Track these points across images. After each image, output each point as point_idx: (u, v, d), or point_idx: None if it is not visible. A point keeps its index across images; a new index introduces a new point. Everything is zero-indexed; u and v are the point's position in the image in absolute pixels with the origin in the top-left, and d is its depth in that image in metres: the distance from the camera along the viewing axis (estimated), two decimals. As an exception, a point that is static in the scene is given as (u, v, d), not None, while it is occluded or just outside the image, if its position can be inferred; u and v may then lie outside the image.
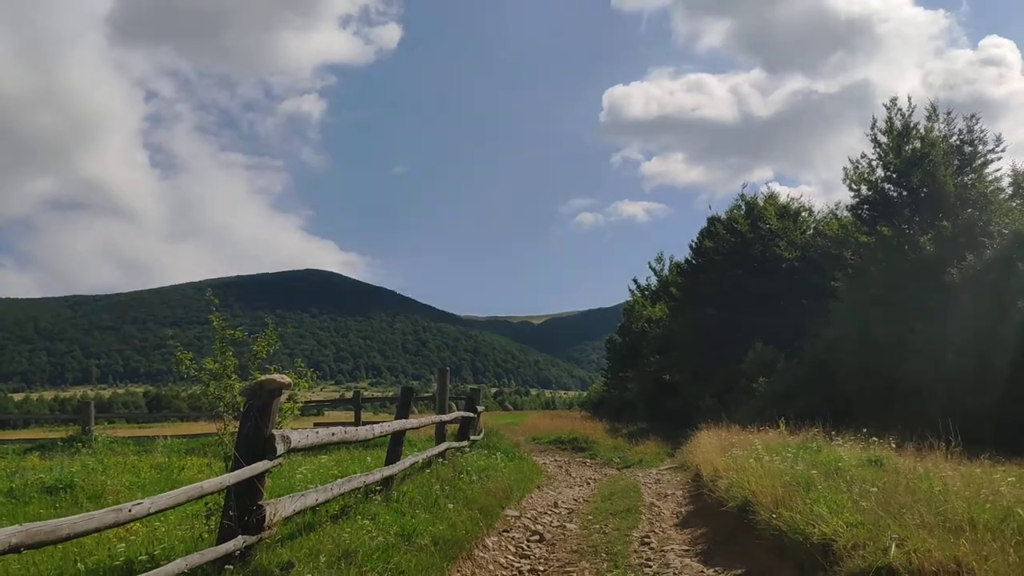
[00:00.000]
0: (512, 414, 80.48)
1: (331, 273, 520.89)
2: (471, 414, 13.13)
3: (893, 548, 4.30)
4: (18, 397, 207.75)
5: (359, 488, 6.78)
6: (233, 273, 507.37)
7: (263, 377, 4.74)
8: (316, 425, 19.19)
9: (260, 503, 4.60)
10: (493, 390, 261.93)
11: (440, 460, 10.49)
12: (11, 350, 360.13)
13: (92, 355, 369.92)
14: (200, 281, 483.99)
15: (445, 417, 10.96)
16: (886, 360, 23.34)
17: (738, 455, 10.11)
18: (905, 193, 26.90)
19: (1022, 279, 20.56)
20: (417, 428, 9.27)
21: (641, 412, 42.77)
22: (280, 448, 4.64)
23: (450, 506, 8.08)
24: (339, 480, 6.28)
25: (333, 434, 5.57)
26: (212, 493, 4.31)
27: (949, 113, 26.39)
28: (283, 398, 5.23)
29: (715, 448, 12.68)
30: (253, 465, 4.45)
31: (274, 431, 4.65)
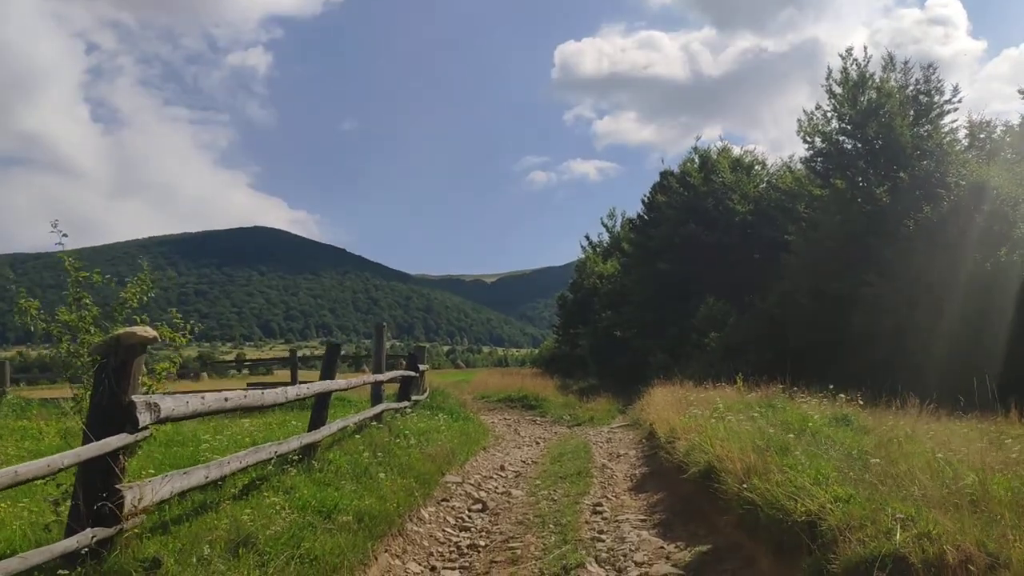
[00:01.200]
0: (463, 372, 79.84)
1: (280, 231, 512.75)
2: (412, 373, 12.21)
3: (898, 531, 3.56)
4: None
5: (270, 459, 5.85)
6: (180, 231, 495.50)
7: (122, 330, 3.78)
8: (249, 386, 18.14)
9: (118, 487, 3.67)
10: (446, 348, 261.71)
11: (375, 424, 9.61)
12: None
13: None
14: (145, 239, 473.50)
15: (380, 377, 10.02)
16: (839, 314, 23.05)
17: (697, 414, 9.41)
18: (860, 145, 26.46)
19: (978, 230, 20.28)
20: (345, 389, 8.33)
21: (592, 369, 42.38)
22: (145, 418, 3.69)
23: (382, 475, 7.22)
24: (242, 452, 5.34)
25: (227, 400, 4.60)
26: (40, 478, 3.35)
27: (906, 63, 25.96)
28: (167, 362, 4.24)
29: (670, 405, 12.01)
30: (104, 440, 3.50)
31: (136, 397, 3.70)
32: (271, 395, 5.48)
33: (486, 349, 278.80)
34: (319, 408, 7.45)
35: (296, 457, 6.83)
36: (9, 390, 16.59)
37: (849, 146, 26.97)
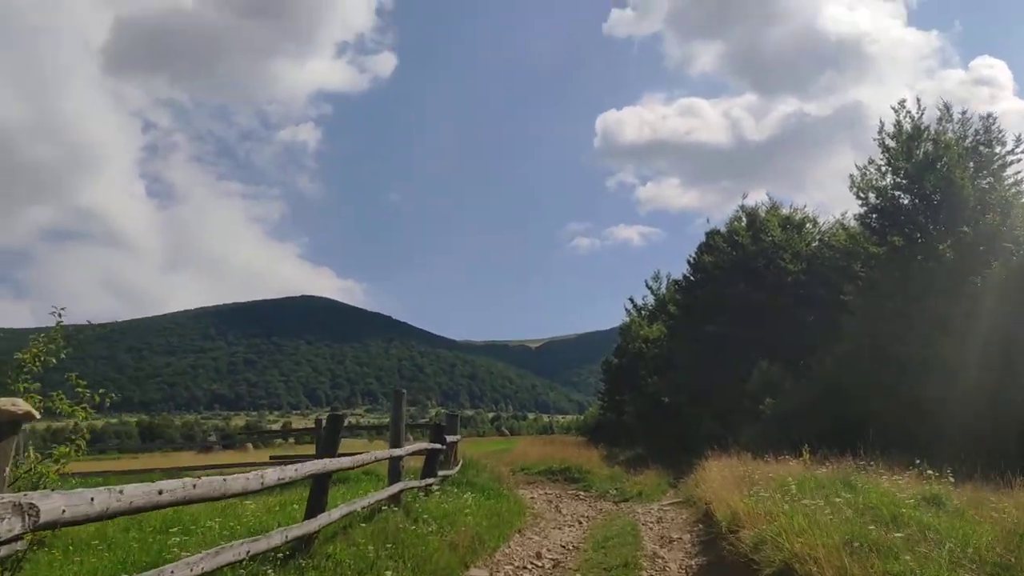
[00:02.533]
0: (507, 439, 78.26)
1: (327, 299, 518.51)
2: (437, 446, 11.07)
3: None
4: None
5: (240, 560, 4.76)
6: (229, 300, 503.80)
7: (-15, 405, 2.79)
8: (272, 459, 17.12)
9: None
10: (491, 415, 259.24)
11: (391, 506, 8.48)
12: (4, 380, 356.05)
13: (87, 385, 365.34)
14: (196, 309, 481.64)
15: (398, 451, 8.90)
16: (904, 377, 21.51)
17: (764, 496, 8.12)
18: (917, 200, 25.22)
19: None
20: (350, 469, 7.23)
21: (639, 437, 40.72)
22: (14, 525, 2.66)
23: (388, 573, 6.07)
24: (196, 556, 4.25)
25: (161, 492, 3.54)
26: None
27: (964, 113, 24.85)
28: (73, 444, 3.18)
29: (729, 483, 10.68)
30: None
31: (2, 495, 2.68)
32: (239, 482, 4.42)
33: (531, 416, 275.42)
34: (317, 493, 6.36)
35: (284, 554, 5.74)
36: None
37: (906, 201, 25.76)
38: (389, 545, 6.83)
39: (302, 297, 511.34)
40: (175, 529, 7.62)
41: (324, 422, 17.88)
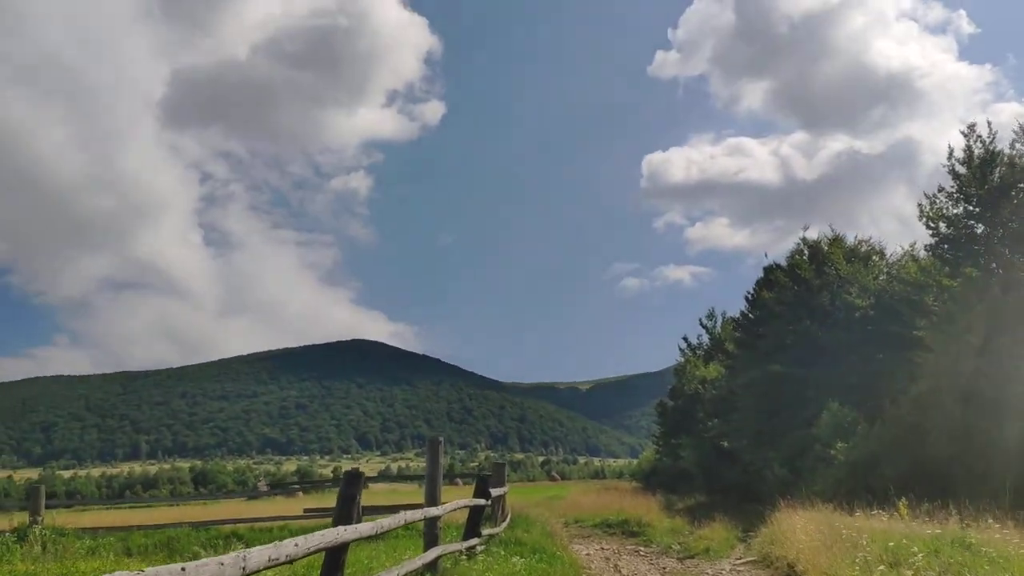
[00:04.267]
0: (558, 485, 76.38)
1: (377, 343, 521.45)
2: (481, 501, 9.79)
3: None
4: (67, 474, 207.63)
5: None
6: (282, 346, 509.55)
7: None
8: (306, 511, 15.99)
9: None
10: (540, 459, 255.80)
11: (426, 576, 7.28)
12: (63, 427, 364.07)
13: (142, 430, 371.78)
14: (248, 355, 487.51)
15: (435, 511, 7.65)
16: (989, 418, 19.76)
17: (871, 561, 6.73)
18: (993, 228, 23.66)
19: None
20: (371, 537, 5.98)
21: (699, 483, 38.90)
22: None
23: (417, 672, 4.85)
24: None
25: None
26: None
27: (1042, 133, 23.36)
28: None
29: (820, 542, 9.22)
30: None
31: None
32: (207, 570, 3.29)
33: (582, 460, 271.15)
34: (330, 571, 5.19)
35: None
36: (44, 516, 14.86)
37: (980, 229, 24.20)
38: (420, 632, 5.62)
39: (353, 341, 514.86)
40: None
41: (338, 474, 16.77)
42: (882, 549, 7.24)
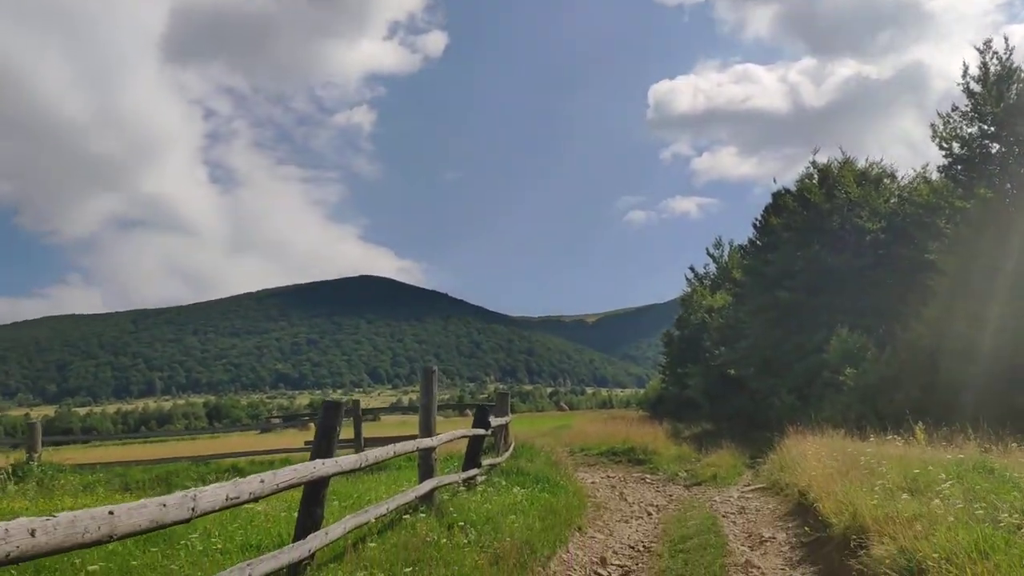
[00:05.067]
0: (565, 415, 76.84)
1: (386, 279, 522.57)
2: (481, 431, 9.45)
3: None
4: (83, 411, 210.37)
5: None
6: (291, 282, 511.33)
7: None
8: (307, 444, 15.75)
9: None
10: (549, 390, 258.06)
11: (420, 510, 6.93)
12: (78, 365, 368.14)
13: (155, 367, 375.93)
14: (258, 291, 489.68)
15: (429, 441, 7.27)
16: (1002, 342, 19.33)
17: (892, 488, 6.35)
18: (1009, 147, 22.96)
19: None
20: (351, 472, 5.56)
21: (705, 411, 38.80)
22: None
23: (404, 610, 4.51)
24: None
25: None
26: None
27: (1062, 49, 22.46)
28: None
29: (834, 467, 8.86)
30: None
31: None
32: (143, 514, 2.90)
33: (589, 390, 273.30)
34: (308, 506, 4.83)
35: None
36: (43, 452, 14.70)
37: (995, 149, 23.49)
38: (408, 569, 5.26)
39: (361, 277, 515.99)
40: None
41: (355, 404, 16.45)
42: (901, 476, 6.86)
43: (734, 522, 10.23)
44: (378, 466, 13.02)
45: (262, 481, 3.91)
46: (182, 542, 6.34)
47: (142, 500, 3.00)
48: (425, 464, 7.54)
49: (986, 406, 16.50)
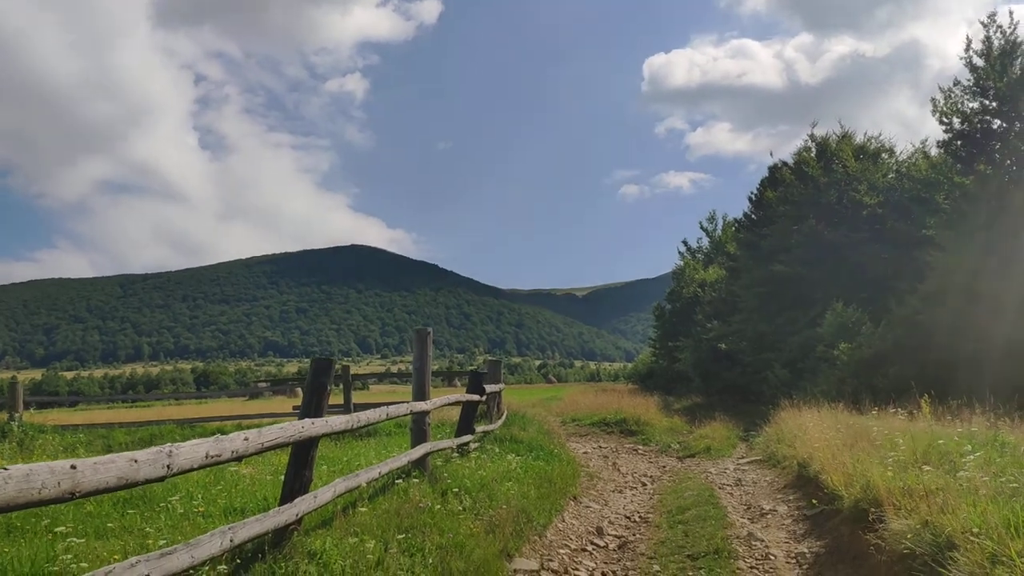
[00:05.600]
0: (555, 387, 76.80)
1: (376, 249, 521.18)
2: (475, 397, 9.17)
3: None
4: (70, 375, 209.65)
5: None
6: (281, 250, 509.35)
7: None
8: (295, 409, 15.49)
9: None
10: (538, 362, 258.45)
11: (414, 474, 6.66)
12: (65, 329, 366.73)
13: (143, 332, 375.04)
14: (248, 258, 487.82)
15: (422, 405, 6.97)
16: (999, 317, 19.16)
17: (904, 461, 6.10)
18: (1012, 123, 22.67)
19: None
20: (341, 432, 5.21)
21: (696, 385, 38.74)
22: None
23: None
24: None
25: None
26: None
27: (1069, 23, 22.15)
28: None
29: (837, 439, 8.62)
30: None
31: None
32: (111, 469, 2.60)
33: (578, 363, 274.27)
34: (297, 467, 4.53)
35: (240, 560, 3.95)
36: (24, 413, 14.38)
37: (997, 125, 23.18)
38: (403, 533, 4.99)
39: (351, 246, 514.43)
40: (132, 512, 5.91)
41: (344, 369, 16.14)
42: (911, 448, 6.61)
43: (731, 493, 10.02)
44: (367, 432, 12.78)
45: (246, 439, 3.61)
46: (161, 504, 6.06)
47: (110, 455, 2.70)
48: (418, 428, 7.25)
49: (983, 382, 16.35)
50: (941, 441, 6.40)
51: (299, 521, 4.56)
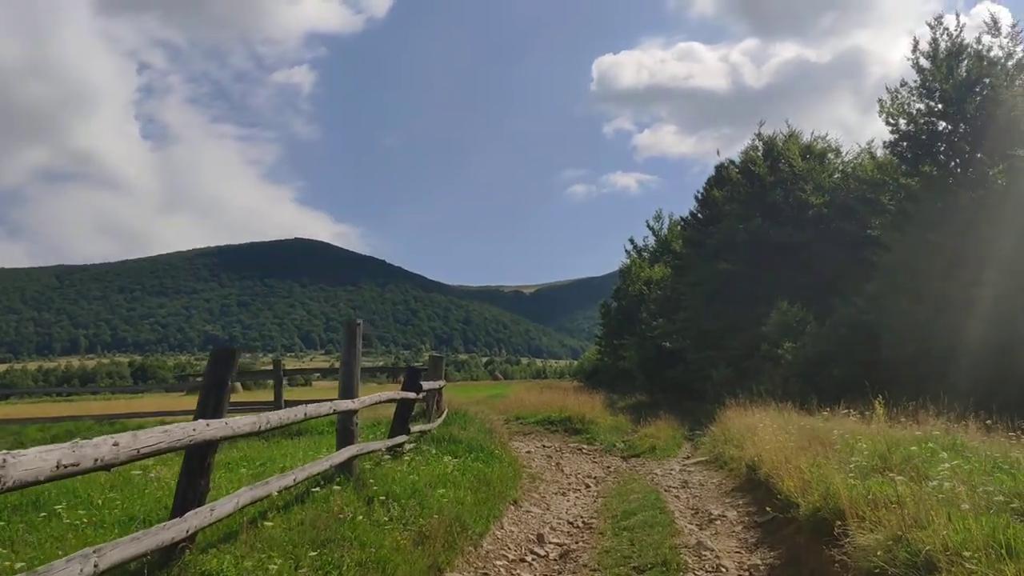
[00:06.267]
0: (501, 384, 76.42)
1: (321, 243, 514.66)
2: (410, 394, 8.56)
3: None
4: (2, 368, 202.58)
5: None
6: (223, 243, 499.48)
7: None
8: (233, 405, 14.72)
9: None
10: (484, 359, 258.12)
11: (338, 480, 6.06)
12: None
13: (80, 324, 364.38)
14: (189, 251, 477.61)
15: (348, 404, 6.31)
16: (946, 318, 19.18)
17: (865, 467, 5.71)
18: (960, 124, 22.78)
19: None
20: (233, 438, 4.49)
21: (640, 383, 38.63)
22: None
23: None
24: None
25: None
26: None
27: (1013, 27, 22.46)
28: None
29: (790, 441, 8.26)
30: None
31: None
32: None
33: (524, 361, 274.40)
34: (190, 476, 3.92)
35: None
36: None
37: (942, 126, 23.30)
38: (314, 552, 4.40)
39: (295, 240, 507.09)
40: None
41: (275, 363, 15.34)
42: (871, 453, 6.24)
43: (677, 496, 9.61)
44: (298, 430, 12.09)
45: (116, 444, 3.00)
46: (43, 513, 5.35)
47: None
48: (345, 429, 6.63)
49: (931, 383, 16.28)
50: (913, 448, 6.01)
51: (191, 538, 3.94)
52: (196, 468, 3.95)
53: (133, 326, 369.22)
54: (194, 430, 3.61)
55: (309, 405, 5.41)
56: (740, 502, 8.54)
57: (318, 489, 5.74)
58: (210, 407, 4.04)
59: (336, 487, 5.78)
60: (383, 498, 5.89)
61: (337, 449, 6.56)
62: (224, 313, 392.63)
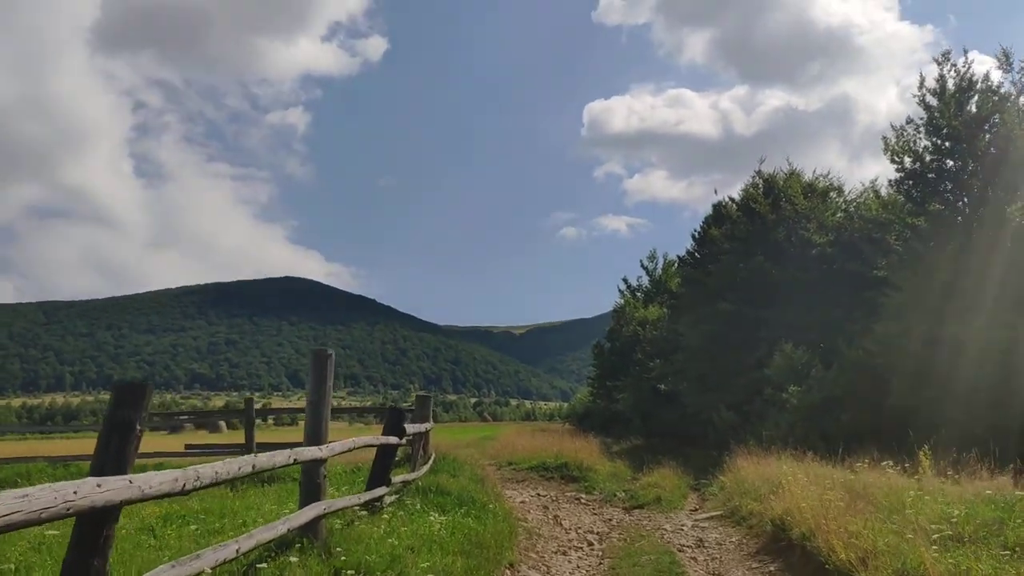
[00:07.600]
0: (490, 425, 74.96)
1: (311, 281, 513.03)
2: (392, 439, 7.42)
3: None
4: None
5: None
6: (212, 280, 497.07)
7: None
8: (188, 448, 13.56)
9: None
10: (473, 400, 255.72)
11: (298, 545, 4.95)
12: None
13: (66, 361, 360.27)
14: (177, 288, 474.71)
15: (315, 452, 5.14)
16: (959, 363, 18.25)
17: (944, 535, 4.65)
18: (970, 161, 22.09)
19: None
20: (157, 498, 3.44)
21: (635, 426, 37.40)
22: None
23: None
24: None
25: None
26: None
27: (1024, 62, 21.88)
28: None
29: (831, 497, 7.15)
30: None
31: None
32: None
33: (514, 402, 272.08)
34: (80, 553, 2.81)
35: None
36: None
37: (950, 164, 22.63)
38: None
39: (285, 278, 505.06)
40: None
41: (247, 403, 14.22)
42: (936, 515, 5.19)
43: (695, 558, 8.48)
44: (269, 476, 10.93)
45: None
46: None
47: None
48: (310, 482, 5.49)
49: (940, 431, 15.28)
50: (992, 511, 4.96)
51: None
52: (89, 543, 2.87)
53: (119, 363, 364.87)
54: (75, 492, 2.53)
55: (262, 456, 4.30)
56: (771, 568, 7.42)
57: (264, 566, 4.55)
58: (110, 457, 2.97)
59: (293, 558, 4.64)
60: (352, 572, 4.76)
61: (300, 507, 5.43)
62: (212, 351, 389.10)
